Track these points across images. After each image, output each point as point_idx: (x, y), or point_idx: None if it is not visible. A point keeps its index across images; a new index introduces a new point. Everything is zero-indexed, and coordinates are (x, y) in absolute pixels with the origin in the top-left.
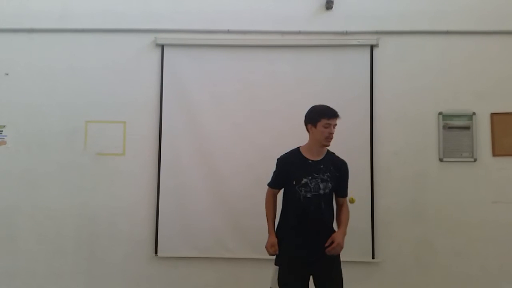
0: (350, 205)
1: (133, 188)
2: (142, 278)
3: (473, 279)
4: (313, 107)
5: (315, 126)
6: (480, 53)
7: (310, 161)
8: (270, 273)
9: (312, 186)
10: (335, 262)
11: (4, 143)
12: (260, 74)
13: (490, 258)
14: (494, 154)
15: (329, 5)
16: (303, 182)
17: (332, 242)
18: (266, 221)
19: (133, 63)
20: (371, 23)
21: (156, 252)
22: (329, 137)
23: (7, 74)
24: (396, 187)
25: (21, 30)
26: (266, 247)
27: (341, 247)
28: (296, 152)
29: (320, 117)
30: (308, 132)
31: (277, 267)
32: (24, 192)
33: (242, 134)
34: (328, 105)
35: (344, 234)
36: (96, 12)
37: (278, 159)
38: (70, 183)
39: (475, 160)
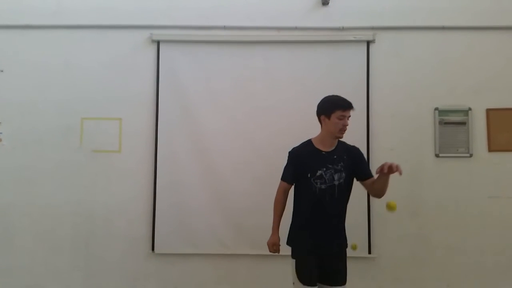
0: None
1: (129, 185)
2: (139, 275)
3: (469, 274)
4: (326, 98)
5: (328, 118)
6: (476, 48)
7: (323, 153)
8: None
9: (327, 178)
10: (342, 257)
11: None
12: (256, 70)
13: (486, 253)
14: (490, 149)
15: (325, 1)
16: (318, 174)
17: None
18: (271, 218)
19: (128, 59)
20: (367, 19)
21: (153, 249)
22: (343, 129)
23: (1, 71)
24: (392, 183)
25: (15, 27)
26: (268, 244)
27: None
28: (308, 144)
29: (334, 108)
30: (321, 123)
31: (294, 260)
32: (20, 190)
33: (238, 130)
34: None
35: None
36: (91, 8)
37: (290, 152)
38: (66, 180)
39: (471, 156)
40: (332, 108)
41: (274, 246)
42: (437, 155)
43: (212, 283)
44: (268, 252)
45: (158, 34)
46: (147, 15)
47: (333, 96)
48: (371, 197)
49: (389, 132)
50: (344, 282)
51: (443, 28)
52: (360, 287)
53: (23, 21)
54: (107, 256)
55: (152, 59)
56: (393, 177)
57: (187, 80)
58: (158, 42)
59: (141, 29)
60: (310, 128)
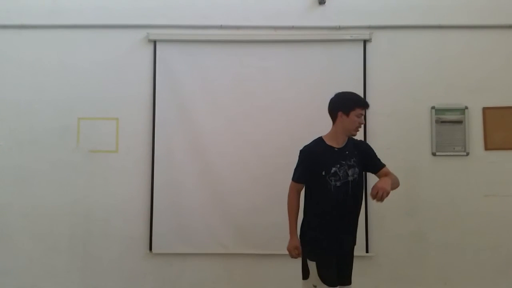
0: None
1: (126, 185)
2: (137, 275)
3: (466, 272)
4: (344, 94)
5: (347, 115)
6: (473, 47)
7: (335, 149)
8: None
9: (341, 174)
10: (351, 257)
11: None
12: (253, 69)
13: (482, 251)
14: (486, 148)
15: (322, 0)
16: (332, 171)
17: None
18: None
19: (125, 59)
20: (364, 18)
21: (150, 249)
22: (359, 127)
23: None
24: None
25: (11, 26)
26: (288, 250)
27: (386, 190)
28: (320, 141)
29: (354, 106)
30: (335, 119)
31: (314, 262)
32: (17, 190)
33: (235, 130)
34: (321, 100)
35: (389, 183)
36: (87, 8)
37: (301, 150)
38: (63, 180)
39: (467, 154)
40: (353, 105)
41: (295, 250)
42: (433, 154)
43: (210, 283)
44: (266, 252)
45: (155, 34)
46: (144, 15)
47: (350, 93)
48: (368, 196)
49: (386, 131)
50: (350, 282)
51: (439, 27)
52: (357, 285)
53: (19, 21)
54: (104, 256)
55: (148, 59)
56: None
57: (184, 80)
58: (154, 42)
59: (138, 29)
60: (308, 127)
